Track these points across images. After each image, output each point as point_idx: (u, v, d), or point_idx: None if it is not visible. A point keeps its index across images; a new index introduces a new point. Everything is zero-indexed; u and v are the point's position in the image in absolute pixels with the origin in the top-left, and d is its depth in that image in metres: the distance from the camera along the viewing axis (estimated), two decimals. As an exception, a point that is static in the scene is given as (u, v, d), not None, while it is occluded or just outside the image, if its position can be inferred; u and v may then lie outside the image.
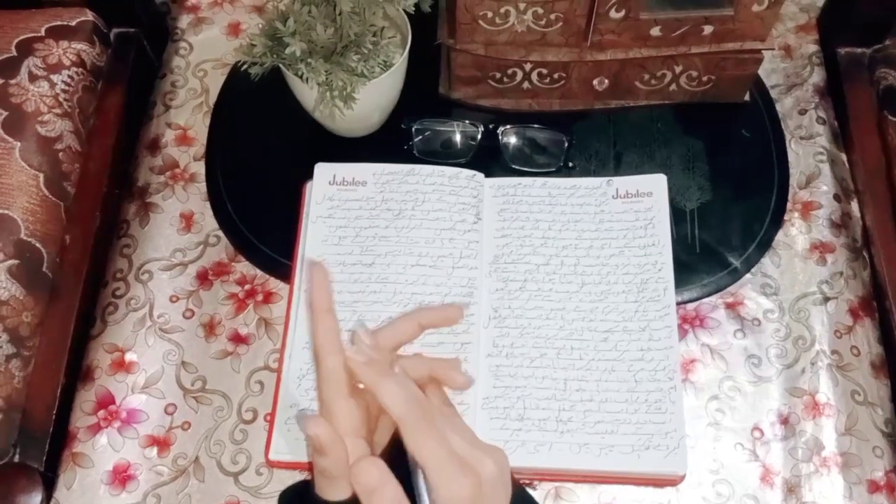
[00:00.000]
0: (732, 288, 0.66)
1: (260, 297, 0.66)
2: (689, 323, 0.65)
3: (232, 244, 0.69)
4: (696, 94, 0.73)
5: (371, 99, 0.65)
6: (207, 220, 0.70)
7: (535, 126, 0.71)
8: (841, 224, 0.69)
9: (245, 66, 0.62)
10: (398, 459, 0.51)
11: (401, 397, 0.49)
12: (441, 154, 0.71)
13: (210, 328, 0.65)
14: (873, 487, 0.59)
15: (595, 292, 0.63)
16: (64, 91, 0.69)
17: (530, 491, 0.58)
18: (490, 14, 0.64)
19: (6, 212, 0.63)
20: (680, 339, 0.63)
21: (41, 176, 0.65)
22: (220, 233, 0.69)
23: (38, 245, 0.64)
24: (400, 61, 0.65)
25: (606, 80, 0.71)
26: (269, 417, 0.61)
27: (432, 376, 0.54)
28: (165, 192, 0.71)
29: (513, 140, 0.71)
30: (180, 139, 0.74)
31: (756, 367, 0.63)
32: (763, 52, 0.68)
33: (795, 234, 0.69)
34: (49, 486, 0.59)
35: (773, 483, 0.59)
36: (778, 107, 0.74)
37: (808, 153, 0.73)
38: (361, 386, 0.53)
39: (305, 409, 0.59)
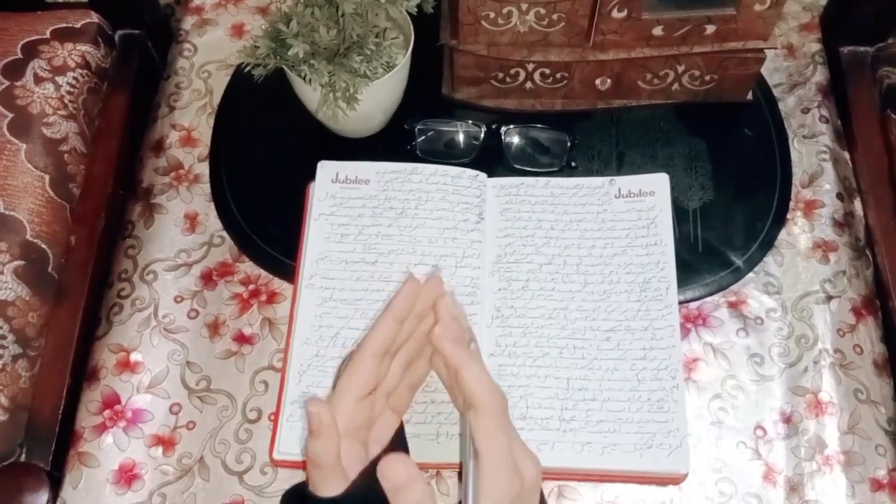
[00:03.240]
0: (735, 287, 0.66)
1: (264, 297, 0.67)
2: (692, 322, 0.65)
3: (236, 245, 0.69)
4: (698, 93, 0.73)
5: (374, 100, 0.65)
6: (211, 221, 0.70)
7: (538, 126, 0.71)
8: (844, 223, 0.69)
9: (248, 68, 0.62)
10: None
11: (484, 383, 0.50)
12: (444, 154, 0.71)
13: (214, 328, 0.65)
14: (876, 486, 0.59)
15: (598, 291, 0.63)
16: (69, 93, 0.70)
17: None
18: (492, 15, 0.64)
19: (12, 213, 0.63)
20: (682, 338, 0.63)
21: (47, 177, 0.66)
22: (225, 233, 0.70)
23: (43, 246, 0.64)
24: (402, 62, 0.65)
25: (609, 80, 0.71)
26: (273, 417, 0.61)
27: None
28: (170, 192, 0.72)
29: (515, 140, 0.71)
30: (184, 140, 0.75)
31: (759, 366, 0.63)
32: (766, 51, 0.68)
33: (798, 232, 0.69)
34: (55, 486, 0.60)
35: (776, 482, 0.59)
36: (781, 106, 0.74)
37: (811, 152, 0.73)
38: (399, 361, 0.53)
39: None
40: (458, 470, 0.59)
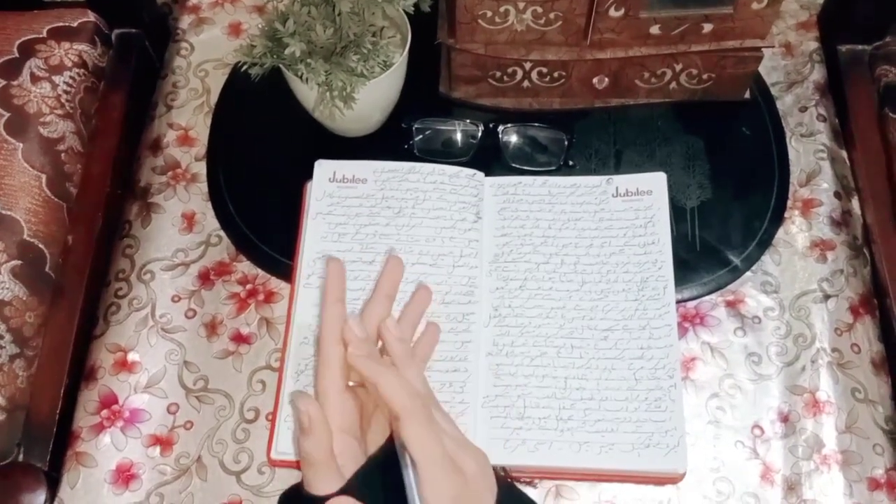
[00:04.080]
0: (733, 286, 0.66)
1: (261, 297, 0.66)
2: (690, 321, 0.65)
3: (233, 244, 0.69)
4: (696, 92, 0.73)
5: (371, 99, 0.65)
6: (209, 220, 0.70)
7: (536, 125, 0.71)
8: (841, 222, 0.69)
9: (245, 67, 0.62)
10: (393, 460, 0.51)
11: (401, 390, 0.50)
12: (441, 153, 0.71)
13: (212, 328, 0.65)
14: (874, 485, 0.59)
15: (595, 291, 0.63)
16: (66, 92, 0.70)
17: (530, 489, 0.58)
18: (489, 13, 0.64)
19: (9, 213, 0.63)
20: (680, 338, 0.63)
21: (43, 177, 0.66)
22: (222, 233, 0.69)
23: (40, 246, 0.64)
24: (400, 61, 0.65)
25: (606, 79, 0.71)
26: (270, 417, 0.61)
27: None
28: (167, 192, 0.72)
29: (513, 139, 0.71)
30: (182, 139, 0.74)
31: (756, 365, 0.63)
32: (763, 49, 0.68)
33: (796, 231, 0.69)
34: (53, 486, 0.60)
35: (774, 481, 0.59)
36: (778, 104, 0.74)
37: (809, 151, 0.72)
38: (352, 383, 0.54)
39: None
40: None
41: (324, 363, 0.54)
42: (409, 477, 0.49)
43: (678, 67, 0.70)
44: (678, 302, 0.64)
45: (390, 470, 0.50)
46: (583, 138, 0.72)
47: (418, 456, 0.48)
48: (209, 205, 0.71)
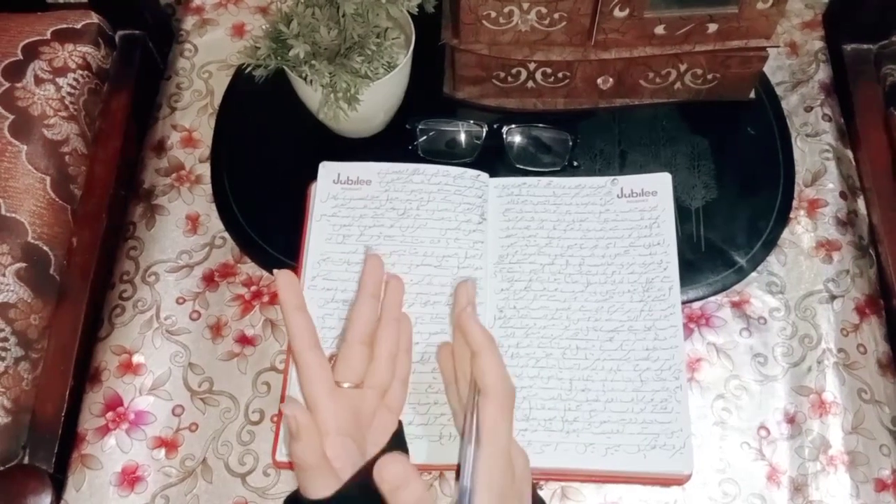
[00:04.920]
0: (738, 286, 0.66)
1: (266, 299, 0.66)
2: (695, 322, 0.65)
3: (238, 246, 0.69)
4: (700, 92, 0.73)
5: (375, 100, 0.65)
6: (213, 222, 0.70)
7: (540, 125, 0.71)
8: (847, 222, 0.69)
9: (249, 69, 0.62)
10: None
11: (502, 372, 0.50)
12: (446, 154, 0.71)
13: (216, 330, 0.65)
14: (880, 486, 0.59)
15: (600, 292, 0.63)
16: (70, 94, 0.70)
17: (537, 491, 0.58)
18: (494, 14, 0.64)
19: (13, 215, 0.63)
20: (685, 339, 0.63)
21: (48, 179, 0.66)
22: (226, 234, 0.69)
23: (45, 248, 0.64)
24: (404, 62, 0.65)
25: (611, 79, 0.71)
26: (275, 418, 0.61)
27: None
28: (171, 193, 0.72)
29: (517, 139, 0.71)
30: (186, 141, 0.74)
31: (762, 366, 0.63)
32: (768, 49, 0.68)
33: (801, 232, 0.68)
34: (58, 488, 0.60)
35: (780, 482, 0.59)
36: (783, 104, 0.74)
37: (814, 150, 0.72)
38: (347, 385, 0.54)
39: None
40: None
41: (304, 369, 0.53)
42: (469, 453, 0.49)
43: (683, 67, 0.70)
44: (683, 303, 0.64)
45: None
46: (587, 139, 0.72)
47: (487, 437, 0.48)
48: (213, 206, 0.71)
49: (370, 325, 0.57)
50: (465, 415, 0.53)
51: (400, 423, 0.56)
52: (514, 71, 0.70)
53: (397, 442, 0.55)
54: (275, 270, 0.56)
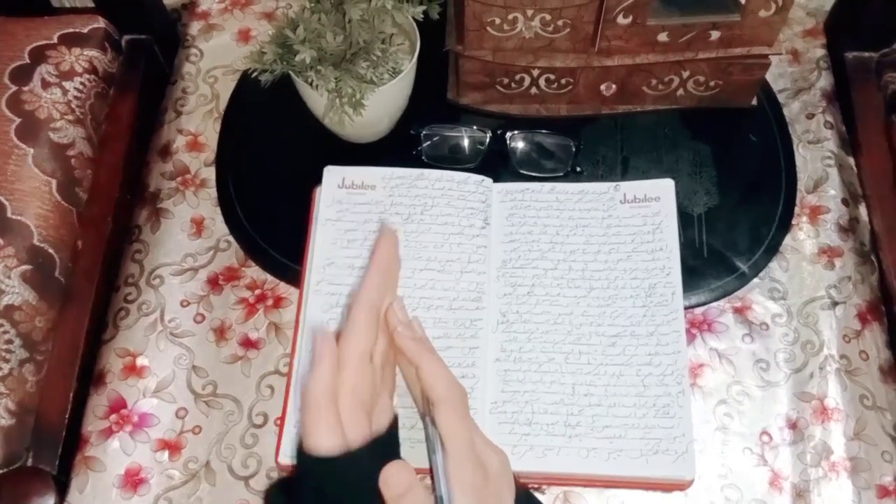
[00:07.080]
0: (740, 292, 0.66)
1: (270, 302, 0.67)
2: (697, 327, 0.65)
3: (242, 249, 0.69)
4: (703, 98, 0.73)
5: (380, 105, 0.65)
6: (218, 226, 0.70)
7: (543, 131, 0.72)
8: (849, 228, 0.69)
9: (255, 74, 0.62)
10: (392, 450, 0.52)
11: (443, 378, 0.51)
12: (449, 159, 0.71)
13: (221, 333, 0.66)
14: (882, 492, 0.59)
15: (603, 297, 0.63)
16: (76, 98, 0.70)
17: (539, 495, 0.58)
18: (498, 21, 0.64)
19: (19, 218, 0.63)
20: (688, 344, 0.63)
21: (54, 182, 0.66)
22: (231, 238, 0.70)
23: (50, 251, 0.64)
24: (408, 68, 0.65)
25: (614, 86, 0.71)
26: (279, 421, 0.61)
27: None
28: (176, 197, 0.72)
29: (521, 145, 0.71)
30: (191, 145, 0.75)
31: (764, 372, 0.63)
32: (770, 56, 0.68)
33: (803, 238, 0.69)
34: (62, 490, 0.60)
35: (782, 488, 0.59)
36: (785, 111, 0.75)
37: (816, 157, 0.73)
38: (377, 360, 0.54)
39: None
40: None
41: (354, 327, 0.53)
42: (438, 462, 0.49)
43: (685, 74, 0.70)
44: (686, 308, 0.64)
45: (389, 455, 0.50)
46: (590, 145, 0.72)
47: (450, 443, 0.49)
48: (218, 210, 0.71)
49: (381, 297, 0.57)
50: (424, 427, 0.54)
51: (397, 422, 0.56)
52: (517, 77, 0.70)
53: (394, 429, 0.55)
54: (384, 226, 0.60)
